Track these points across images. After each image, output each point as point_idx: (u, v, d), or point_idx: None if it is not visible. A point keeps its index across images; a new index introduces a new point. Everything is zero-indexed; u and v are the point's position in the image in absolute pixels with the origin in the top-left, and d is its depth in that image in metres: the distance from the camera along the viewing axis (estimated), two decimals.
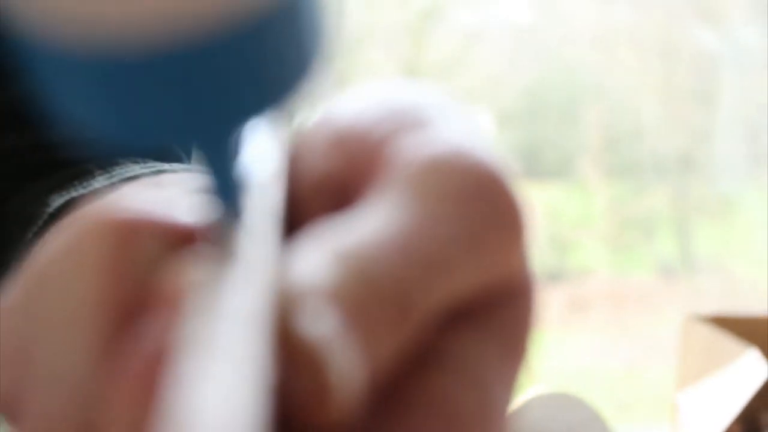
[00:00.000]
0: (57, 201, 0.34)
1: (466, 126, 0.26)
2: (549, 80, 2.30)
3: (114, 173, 0.34)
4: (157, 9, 0.21)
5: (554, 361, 2.21)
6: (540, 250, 2.24)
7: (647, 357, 2.18)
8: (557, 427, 1.84)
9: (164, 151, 0.39)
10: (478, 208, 0.25)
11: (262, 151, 0.26)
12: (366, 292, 0.23)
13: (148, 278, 0.24)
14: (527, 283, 0.26)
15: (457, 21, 2.26)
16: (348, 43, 2.04)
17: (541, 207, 2.25)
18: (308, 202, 0.26)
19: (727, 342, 1.76)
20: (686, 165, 2.28)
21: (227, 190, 0.24)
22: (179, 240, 0.25)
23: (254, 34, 0.22)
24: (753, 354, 1.71)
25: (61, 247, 0.25)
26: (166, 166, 0.36)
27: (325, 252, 0.24)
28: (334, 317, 0.23)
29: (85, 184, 0.34)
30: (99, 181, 0.34)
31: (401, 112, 0.26)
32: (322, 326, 0.23)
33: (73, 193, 0.34)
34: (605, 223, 2.25)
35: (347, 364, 0.22)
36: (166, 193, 0.26)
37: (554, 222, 2.26)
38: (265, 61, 0.22)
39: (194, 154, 0.24)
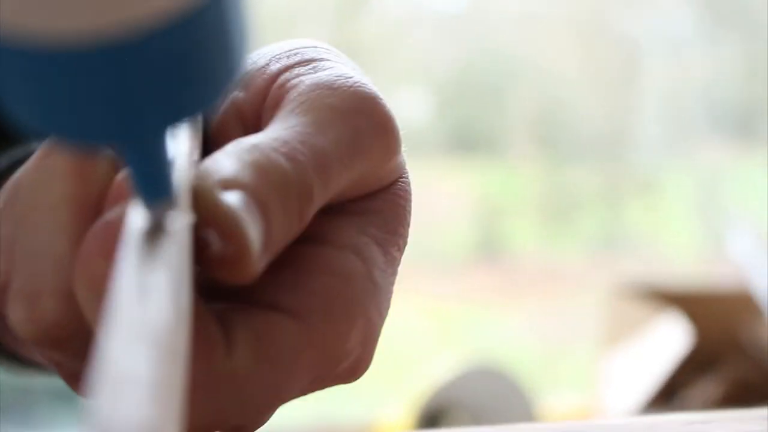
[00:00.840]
0: (2, 162, 0.38)
1: (348, 64, 0.32)
2: (478, 64, 2.33)
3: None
4: (88, 3, 0.21)
5: (484, 336, 2.24)
6: (470, 227, 2.27)
7: (575, 331, 2.21)
8: (480, 399, 1.88)
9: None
10: (358, 117, 0.30)
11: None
12: (261, 177, 0.28)
13: (107, 180, 0.29)
14: (402, 182, 0.32)
15: (386, 9, 2.29)
16: (276, 27, 2.06)
17: (472, 185, 2.28)
18: (221, 132, 0.31)
19: (650, 311, 1.80)
20: (613, 144, 2.32)
21: (155, 188, 0.25)
22: None
23: (180, 30, 0.22)
24: (676, 321, 1.75)
25: (33, 162, 0.30)
26: None
27: (226, 153, 0.28)
28: (237, 195, 0.27)
29: (26, 146, 0.38)
30: (36, 145, 0.37)
31: (293, 50, 0.32)
32: (231, 201, 0.27)
33: (19, 155, 0.37)
34: (535, 201, 2.29)
35: (254, 231, 0.27)
36: None
37: (485, 199, 2.29)
38: (193, 59, 0.23)
39: (122, 155, 0.25)
